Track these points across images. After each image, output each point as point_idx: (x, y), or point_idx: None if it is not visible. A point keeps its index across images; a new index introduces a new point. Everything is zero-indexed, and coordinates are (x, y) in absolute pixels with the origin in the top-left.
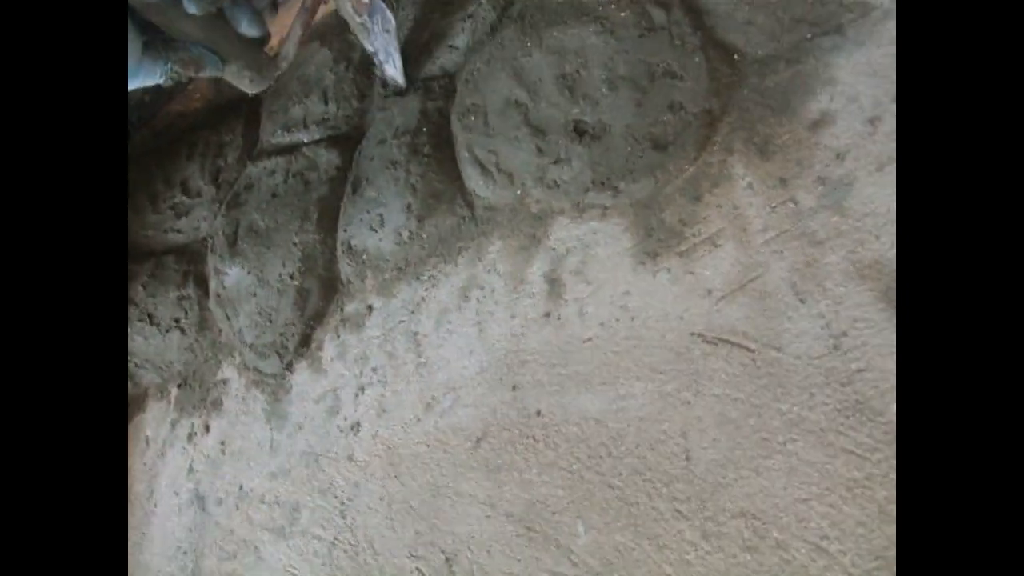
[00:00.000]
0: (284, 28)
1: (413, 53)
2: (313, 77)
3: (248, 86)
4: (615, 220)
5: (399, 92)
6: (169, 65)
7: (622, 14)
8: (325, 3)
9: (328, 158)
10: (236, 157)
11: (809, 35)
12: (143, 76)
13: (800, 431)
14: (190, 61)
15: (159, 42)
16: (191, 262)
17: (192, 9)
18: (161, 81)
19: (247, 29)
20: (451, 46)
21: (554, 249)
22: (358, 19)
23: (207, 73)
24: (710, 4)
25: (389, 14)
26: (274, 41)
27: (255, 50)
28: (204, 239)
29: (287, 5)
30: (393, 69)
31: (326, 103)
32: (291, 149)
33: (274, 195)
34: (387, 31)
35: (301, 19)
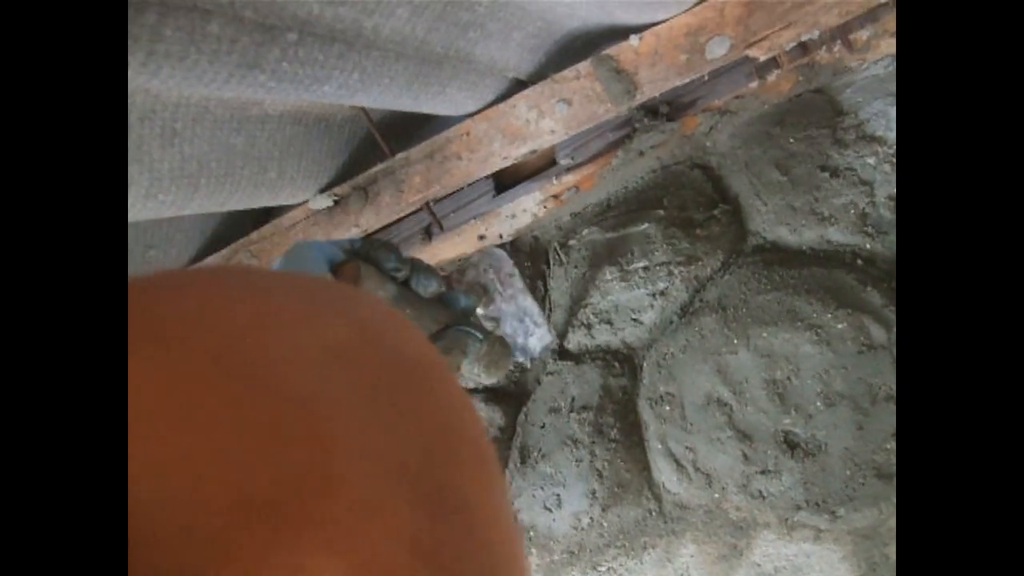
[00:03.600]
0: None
1: (574, 310)
2: None
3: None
4: (830, 546)
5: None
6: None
7: (839, 325)
8: None
9: (491, 415)
10: None
11: None
12: None
13: None
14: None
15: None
16: None
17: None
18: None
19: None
20: (636, 320)
21: (759, 565)
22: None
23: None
24: None
25: (514, 270)
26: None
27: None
28: None
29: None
30: (535, 339)
31: None
32: None
33: None
34: (513, 292)
35: None
